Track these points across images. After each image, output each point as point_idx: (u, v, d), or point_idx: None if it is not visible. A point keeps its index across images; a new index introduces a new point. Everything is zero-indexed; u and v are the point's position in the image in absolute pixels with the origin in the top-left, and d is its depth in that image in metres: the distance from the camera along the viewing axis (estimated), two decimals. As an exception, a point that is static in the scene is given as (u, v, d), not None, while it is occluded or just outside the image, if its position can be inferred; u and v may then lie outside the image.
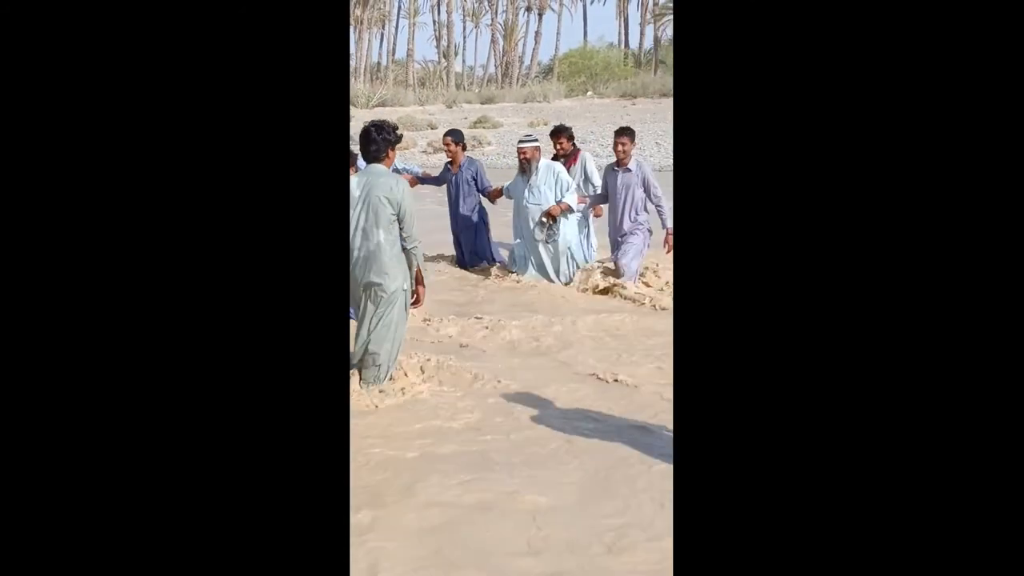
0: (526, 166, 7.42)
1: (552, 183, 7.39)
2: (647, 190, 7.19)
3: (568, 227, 7.40)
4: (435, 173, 8.44)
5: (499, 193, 7.80)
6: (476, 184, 7.87)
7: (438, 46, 60.40)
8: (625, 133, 7.27)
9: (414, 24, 58.25)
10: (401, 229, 4.56)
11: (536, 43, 57.32)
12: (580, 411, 4.27)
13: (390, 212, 4.52)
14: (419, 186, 8.06)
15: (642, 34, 53.73)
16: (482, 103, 37.89)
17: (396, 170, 8.07)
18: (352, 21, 59.18)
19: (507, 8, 59.69)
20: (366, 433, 3.94)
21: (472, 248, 7.98)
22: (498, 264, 7.91)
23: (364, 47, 59.13)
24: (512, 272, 7.60)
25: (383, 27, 61.94)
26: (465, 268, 7.95)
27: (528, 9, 59.30)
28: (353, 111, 32.92)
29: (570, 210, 7.35)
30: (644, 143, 23.44)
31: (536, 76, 54.75)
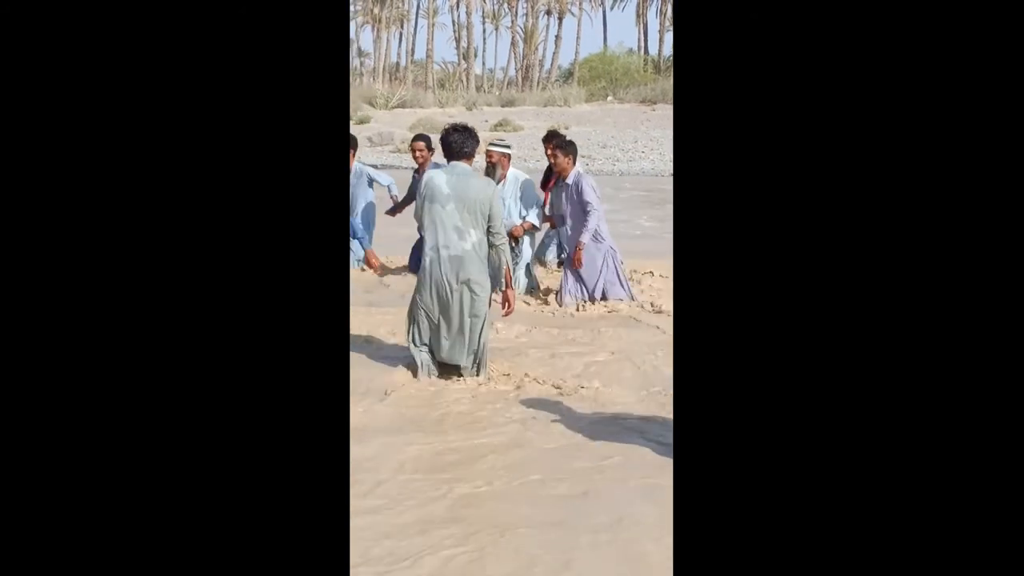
0: (490, 171, 6.91)
1: (518, 196, 7.01)
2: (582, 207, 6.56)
3: (527, 245, 7.06)
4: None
5: None
6: None
7: (458, 47, 60.36)
8: (559, 147, 6.73)
9: (433, 24, 58.25)
10: (490, 228, 4.66)
11: (556, 47, 57.27)
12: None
13: (483, 211, 4.61)
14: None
15: (661, 40, 53.37)
16: (502, 106, 37.76)
17: (387, 185, 8.03)
18: (370, 19, 59.25)
19: (527, 11, 59.58)
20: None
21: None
22: None
23: (383, 47, 59.20)
24: None
25: (402, 27, 61.97)
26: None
27: (548, 13, 59.21)
28: (372, 111, 32.85)
29: (534, 229, 7.08)
30: (664, 148, 23.28)
31: (556, 80, 54.61)
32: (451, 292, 4.62)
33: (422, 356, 4.76)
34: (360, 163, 8.06)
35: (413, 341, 4.79)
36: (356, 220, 5.33)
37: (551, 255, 8.00)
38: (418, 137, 7.74)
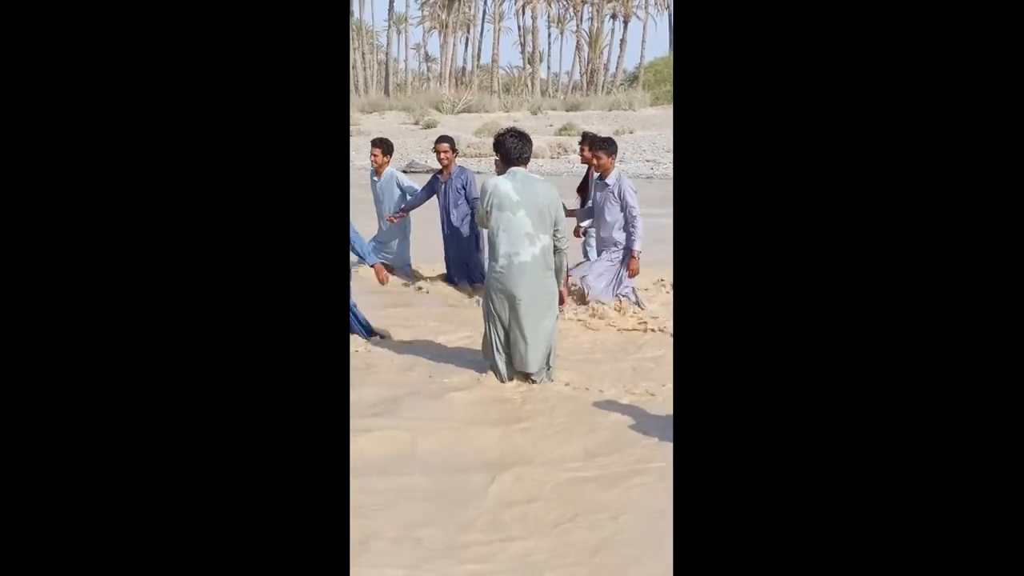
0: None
1: None
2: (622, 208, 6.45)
3: None
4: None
5: None
6: (465, 193, 7.41)
7: (523, 52, 60.52)
8: (599, 146, 6.61)
9: (499, 29, 58.51)
10: (556, 231, 4.71)
11: (621, 51, 57.01)
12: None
13: (551, 215, 4.67)
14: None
15: (730, 43, 52.52)
16: (567, 110, 37.74)
17: (400, 187, 7.87)
18: (437, 24, 59.71)
19: (592, 15, 59.48)
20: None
21: (461, 263, 7.53)
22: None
23: (449, 51, 59.60)
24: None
25: (468, 31, 62.33)
26: (451, 284, 7.52)
27: (613, 17, 59.02)
28: (438, 116, 33.13)
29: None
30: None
31: (621, 84, 54.43)
32: (521, 299, 4.64)
33: (500, 362, 4.80)
34: (392, 169, 7.99)
35: (491, 347, 4.84)
36: (357, 238, 5.26)
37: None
38: (442, 139, 7.60)
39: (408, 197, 7.83)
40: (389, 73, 58.41)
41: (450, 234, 7.49)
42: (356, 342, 5.45)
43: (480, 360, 5.09)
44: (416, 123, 32.37)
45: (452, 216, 7.43)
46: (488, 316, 4.82)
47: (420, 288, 7.40)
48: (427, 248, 7.99)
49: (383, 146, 7.93)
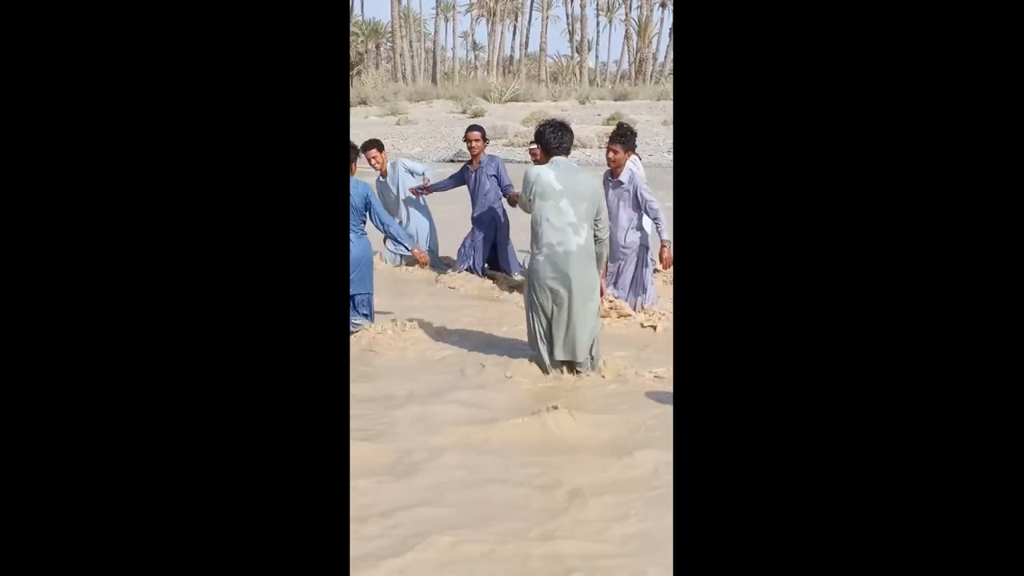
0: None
1: None
2: (641, 205, 5.99)
3: None
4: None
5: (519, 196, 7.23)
6: (499, 181, 7.33)
7: (571, 41, 60.25)
8: (616, 139, 6.07)
9: (547, 18, 58.25)
10: (597, 220, 4.71)
11: (670, 40, 56.49)
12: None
13: (594, 204, 4.67)
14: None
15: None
16: (615, 100, 37.55)
17: (420, 173, 7.86)
18: (484, 12, 59.70)
19: (641, 3, 59.06)
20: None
21: (489, 252, 7.45)
22: (503, 274, 7.34)
23: (496, 40, 59.57)
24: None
25: (516, 20, 62.25)
26: (478, 274, 7.40)
27: (662, 5, 58.54)
28: (485, 105, 33.13)
29: None
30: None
31: (670, 73, 53.97)
32: (564, 289, 4.61)
33: (543, 352, 4.77)
34: (395, 159, 7.99)
35: (535, 337, 4.82)
36: (390, 220, 5.16)
37: None
38: (473, 127, 7.54)
39: (417, 176, 7.82)
40: (437, 61, 58.52)
41: (477, 222, 7.45)
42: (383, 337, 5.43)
43: (513, 349, 5.14)
44: (463, 112, 32.43)
45: (482, 204, 7.40)
46: (530, 306, 4.80)
47: (439, 280, 7.34)
48: (455, 241, 7.97)
49: (378, 145, 7.76)
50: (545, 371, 4.75)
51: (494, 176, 7.34)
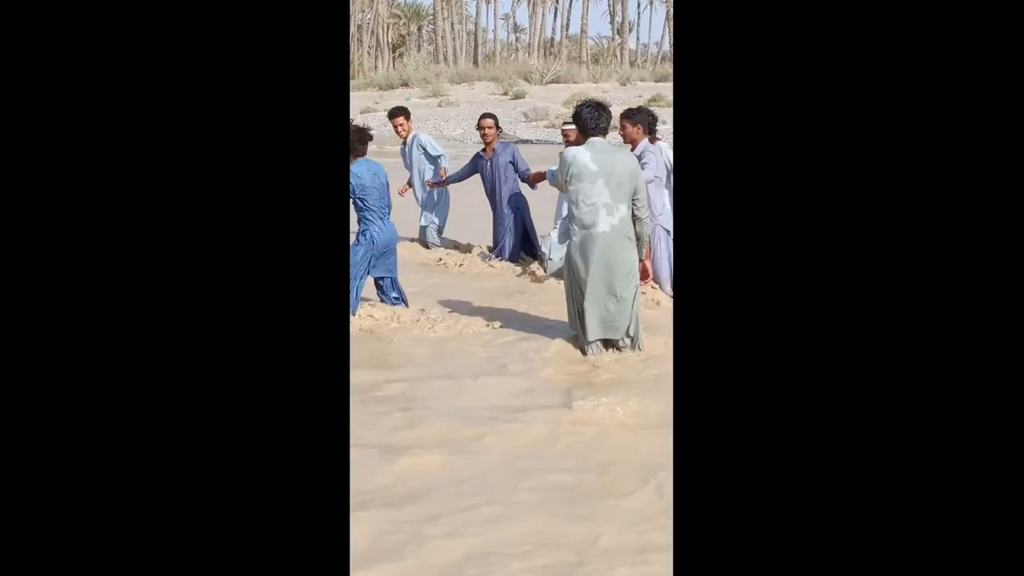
0: None
1: None
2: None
3: None
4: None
5: (541, 177, 7.13)
6: (515, 168, 7.33)
7: (612, 22, 59.96)
8: (624, 115, 6.17)
9: (588, -1, 57.96)
10: (635, 201, 4.71)
11: (713, 20, 55.79)
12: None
13: (630, 185, 4.66)
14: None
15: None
16: (656, 81, 37.33)
17: (437, 155, 7.82)
18: (527, -5, 59.50)
19: (684, -16, 58.35)
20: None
21: (514, 239, 7.39)
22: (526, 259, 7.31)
23: (538, 22, 59.39)
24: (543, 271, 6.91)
25: (557, 2, 61.98)
26: (508, 260, 7.34)
27: (706, -15, 57.77)
28: (527, 87, 33.21)
29: None
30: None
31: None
32: (601, 269, 4.64)
33: (581, 331, 4.80)
34: (416, 132, 7.96)
35: (573, 316, 4.87)
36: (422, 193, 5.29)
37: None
38: (486, 115, 7.57)
39: (428, 154, 7.84)
40: (478, 44, 58.55)
41: (498, 210, 7.42)
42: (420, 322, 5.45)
43: (553, 330, 5.20)
44: (505, 93, 32.51)
45: (502, 192, 7.35)
46: (569, 287, 4.85)
47: (461, 265, 7.34)
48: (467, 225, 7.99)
49: (405, 113, 7.90)
50: (583, 351, 4.78)
51: (511, 163, 7.33)
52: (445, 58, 52.78)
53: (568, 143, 6.61)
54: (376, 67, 53.18)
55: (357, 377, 3.90)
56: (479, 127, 7.55)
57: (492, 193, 7.45)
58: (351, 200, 5.26)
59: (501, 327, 5.32)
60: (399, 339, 5.12)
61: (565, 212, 6.35)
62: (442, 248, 7.82)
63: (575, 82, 35.87)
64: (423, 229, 7.90)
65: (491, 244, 7.65)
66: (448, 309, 5.73)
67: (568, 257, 4.86)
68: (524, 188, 7.46)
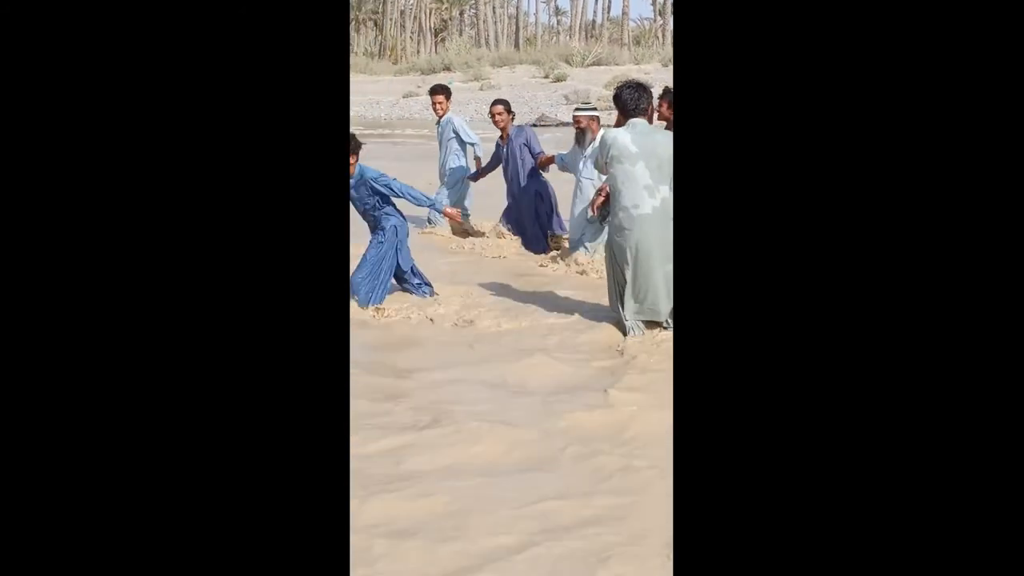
0: (580, 137, 6.67)
1: None
2: None
3: None
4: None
5: (550, 160, 7.04)
6: (530, 151, 7.20)
7: (654, 4, 59.46)
8: (666, 95, 6.08)
9: (631, -19, 57.57)
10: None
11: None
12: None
13: (671, 166, 4.49)
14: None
15: None
16: (698, 62, 36.91)
17: (470, 143, 7.74)
18: (568, -22, 59.23)
19: (728, -36, 57.65)
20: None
21: (534, 223, 7.24)
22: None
23: (579, 5, 59.14)
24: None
25: (599, -16, 61.61)
26: (530, 249, 7.18)
27: (750, -36, 57.03)
28: (568, 69, 33.17)
29: None
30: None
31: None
32: (641, 251, 4.63)
33: (622, 313, 4.80)
34: (450, 114, 7.85)
35: (613, 298, 4.89)
36: (411, 190, 5.38)
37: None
38: (497, 101, 7.50)
39: (462, 141, 7.77)
40: (519, 27, 58.49)
41: (519, 197, 7.31)
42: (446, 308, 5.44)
43: (592, 311, 5.23)
44: (546, 77, 32.50)
45: (521, 176, 7.26)
46: (611, 269, 4.86)
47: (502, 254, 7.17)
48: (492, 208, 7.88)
49: (446, 92, 7.89)
50: (624, 332, 4.76)
51: (526, 146, 7.22)
52: (487, 42, 52.84)
53: (579, 129, 6.65)
54: (418, 52, 53.37)
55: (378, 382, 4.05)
56: (490, 114, 7.49)
57: (512, 178, 7.35)
58: (373, 202, 5.41)
59: (535, 313, 5.31)
60: (437, 334, 5.07)
61: (584, 200, 6.43)
62: (443, 225, 7.69)
63: (616, 64, 35.70)
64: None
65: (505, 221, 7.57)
66: (477, 295, 5.75)
67: (610, 239, 4.90)
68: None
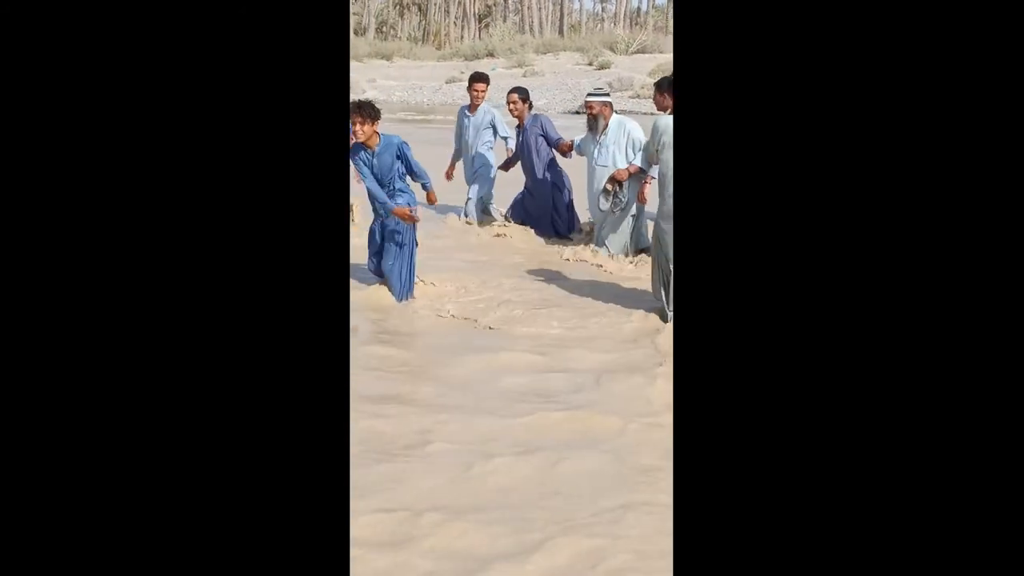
0: (592, 123, 6.62)
1: (623, 143, 6.47)
2: None
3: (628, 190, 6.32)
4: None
5: (570, 146, 6.98)
6: (547, 139, 7.13)
7: (701, -9, 58.85)
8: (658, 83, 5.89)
9: (677, -32, 57.03)
10: None
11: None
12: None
13: None
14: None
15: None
16: (744, 51, 36.56)
17: (504, 136, 7.56)
18: (614, -35, 58.88)
19: (777, -49, 57.01)
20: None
21: (550, 214, 7.20)
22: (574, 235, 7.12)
23: (625, -8, 58.75)
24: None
25: (645, -29, 61.16)
26: (547, 237, 7.14)
27: (799, -48, 56.35)
28: (612, 57, 33.00)
29: (641, 173, 6.20)
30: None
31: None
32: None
33: (664, 300, 4.84)
34: (487, 105, 7.61)
35: (658, 286, 4.91)
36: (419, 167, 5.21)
37: None
38: (514, 90, 7.30)
39: (497, 135, 7.62)
40: (564, 14, 58.26)
41: (535, 188, 7.24)
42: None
43: (633, 299, 5.25)
44: (590, 64, 32.35)
45: (536, 166, 7.16)
46: (656, 255, 4.88)
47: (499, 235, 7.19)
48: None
49: (486, 80, 7.60)
50: (664, 320, 4.81)
51: (542, 135, 7.12)
52: (531, 28, 52.71)
53: (591, 116, 6.59)
54: (462, 37, 53.40)
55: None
56: (507, 102, 7.26)
57: (528, 168, 7.26)
58: (396, 169, 5.18)
59: (572, 302, 5.33)
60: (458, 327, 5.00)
61: (598, 187, 6.42)
62: (474, 220, 7.56)
63: (661, 52, 35.44)
64: (468, 202, 7.64)
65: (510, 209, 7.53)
66: (503, 287, 5.70)
67: (656, 226, 4.89)
68: (563, 160, 7.30)
